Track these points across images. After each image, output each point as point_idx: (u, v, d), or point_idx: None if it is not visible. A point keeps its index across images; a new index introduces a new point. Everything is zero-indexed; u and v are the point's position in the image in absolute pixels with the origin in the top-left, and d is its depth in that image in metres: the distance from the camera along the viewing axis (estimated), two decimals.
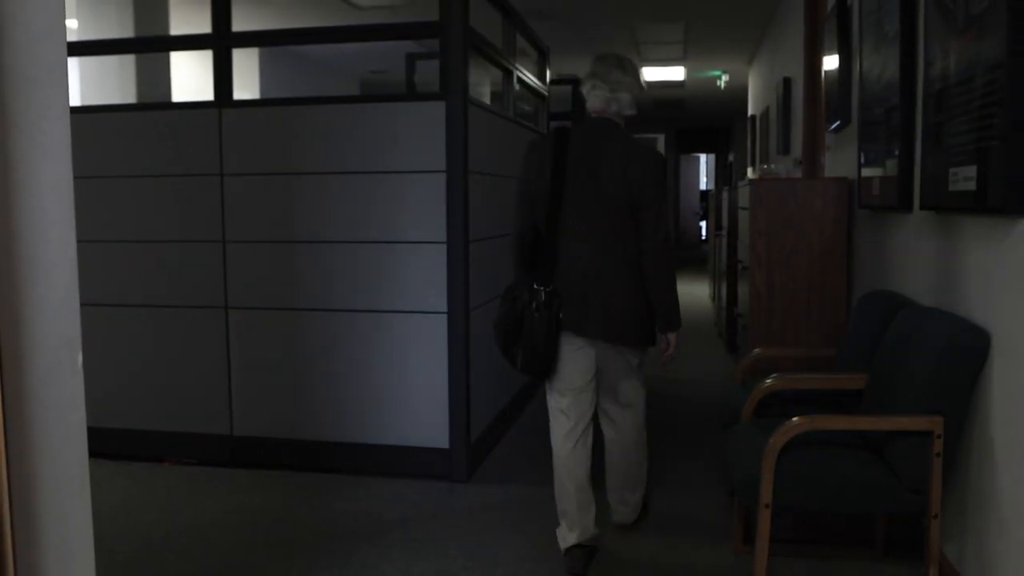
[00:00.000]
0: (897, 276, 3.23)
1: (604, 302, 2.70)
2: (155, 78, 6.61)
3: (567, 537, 2.74)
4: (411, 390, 3.62)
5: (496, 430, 4.16)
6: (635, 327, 2.77)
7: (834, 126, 4.41)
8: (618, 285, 2.72)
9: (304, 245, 3.67)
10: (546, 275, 2.71)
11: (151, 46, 5.81)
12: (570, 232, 2.71)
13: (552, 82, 6.22)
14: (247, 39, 3.90)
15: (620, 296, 2.72)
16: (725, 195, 7.31)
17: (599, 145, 2.74)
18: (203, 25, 3.82)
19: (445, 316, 3.55)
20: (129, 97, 6.41)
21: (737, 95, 12.88)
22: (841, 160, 4.41)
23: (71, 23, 6.76)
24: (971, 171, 2.26)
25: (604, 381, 2.87)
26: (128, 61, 6.39)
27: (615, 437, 2.96)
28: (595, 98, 2.83)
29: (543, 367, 2.73)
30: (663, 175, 2.75)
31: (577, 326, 2.71)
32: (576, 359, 2.76)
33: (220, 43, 3.70)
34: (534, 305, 2.67)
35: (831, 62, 4.51)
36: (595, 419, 2.88)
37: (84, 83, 6.45)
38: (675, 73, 11.39)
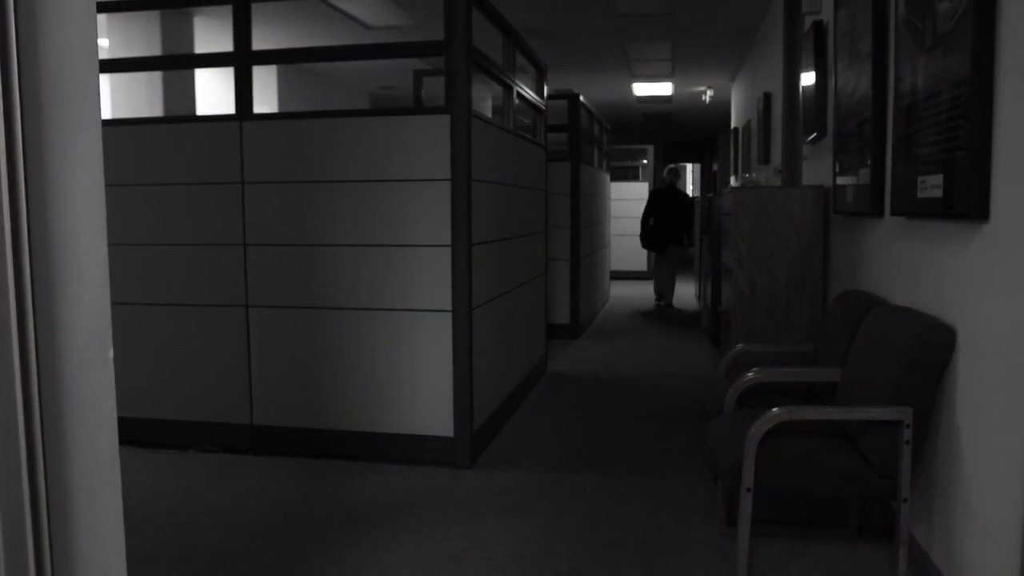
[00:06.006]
0: (870, 277, 3.23)
1: (671, 234, 9.11)
2: (180, 93, 6.62)
3: (659, 300, 9.47)
4: (418, 383, 3.62)
5: (497, 420, 4.16)
6: (679, 239, 9.12)
7: (811, 138, 4.41)
8: (674, 231, 9.10)
9: (319, 248, 3.67)
10: (662, 229, 9.11)
11: (176, 63, 5.81)
12: (663, 220, 9.11)
13: (549, 97, 6.22)
14: (266, 57, 3.89)
15: (674, 234, 9.10)
16: (710, 202, 7.31)
17: (673, 196, 9.14)
18: (225, 44, 3.83)
19: (449, 314, 3.56)
20: (156, 110, 6.41)
21: (721, 109, 12.88)
22: (817, 169, 4.42)
23: (102, 42, 6.77)
24: (938, 179, 2.27)
25: (669, 255, 9.13)
26: (155, 77, 6.39)
27: (665, 274, 9.24)
28: (672, 177, 9.22)
29: (663, 250, 9.11)
30: (691, 203, 9.38)
31: (668, 241, 9.12)
32: (666, 249, 9.15)
33: (241, 61, 3.71)
34: (658, 234, 9.17)
35: (808, 78, 4.51)
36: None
37: (115, 97, 6.46)
38: (663, 88, 11.39)
